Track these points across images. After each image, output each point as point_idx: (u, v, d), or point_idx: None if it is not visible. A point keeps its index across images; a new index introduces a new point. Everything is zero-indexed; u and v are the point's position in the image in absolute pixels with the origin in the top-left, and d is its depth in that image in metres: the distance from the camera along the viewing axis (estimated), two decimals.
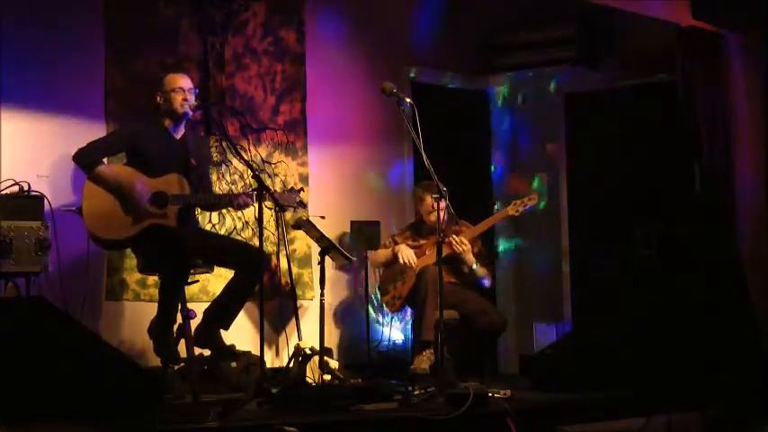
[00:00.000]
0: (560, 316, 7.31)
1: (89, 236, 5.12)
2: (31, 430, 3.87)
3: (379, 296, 6.35)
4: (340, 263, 6.37)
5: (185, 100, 5.24)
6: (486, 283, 6.14)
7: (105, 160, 5.29)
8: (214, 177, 6.06)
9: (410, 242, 6.17)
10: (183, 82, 5.29)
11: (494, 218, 6.20)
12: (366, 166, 6.87)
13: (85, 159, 5.11)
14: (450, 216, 5.44)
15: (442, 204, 5.23)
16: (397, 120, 6.60)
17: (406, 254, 6.02)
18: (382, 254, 6.18)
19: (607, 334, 5.68)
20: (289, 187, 6.02)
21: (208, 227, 6.01)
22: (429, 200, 6.01)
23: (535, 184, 7.46)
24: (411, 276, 6.02)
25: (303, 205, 5.46)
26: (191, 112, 5.31)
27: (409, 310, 6.32)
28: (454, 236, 5.86)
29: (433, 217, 6.01)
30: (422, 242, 6.14)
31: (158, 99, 5.30)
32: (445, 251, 5.76)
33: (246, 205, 5.28)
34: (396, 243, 6.17)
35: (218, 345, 5.29)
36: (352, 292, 6.73)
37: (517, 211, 5.98)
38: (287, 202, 5.25)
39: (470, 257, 5.96)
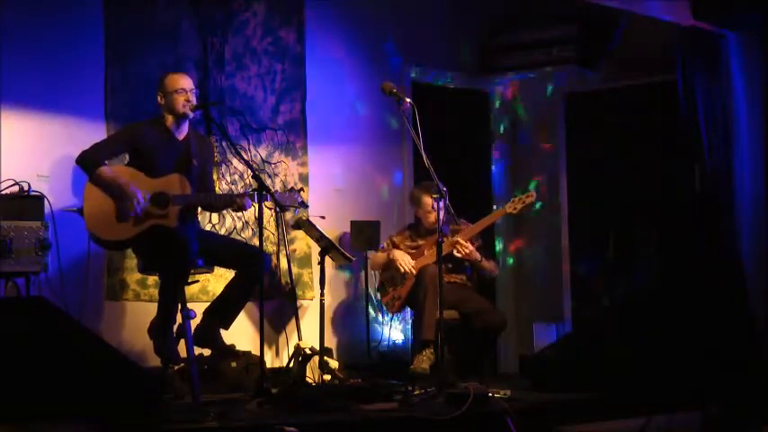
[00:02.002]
0: (560, 316, 7.31)
1: (90, 236, 5.12)
2: (31, 430, 3.87)
3: (379, 296, 6.35)
4: (340, 263, 6.37)
5: (187, 101, 5.24)
6: (495, 273, 6.18)
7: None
8: (214, 177, 6.06)
9: (408, 243, 6.17)
10: (185, 83, 5.28)
11: (492, 216, 6.19)
12: (366, 166, 6.88)
13: (88, 162, 5.10)
14: (449, 216, 5.44)
15: (442, 204, 5.23)
16: (397, 120, 6.61)
17: (404, 261, 6.01)
18: (380, 257, 6.18)
19: (607, 334, 5.68)
20: (289, 187, 6.02)
21: (208, 227, 6.01)
22: (427, 200, 6.00)
23: (531, 185, 7.45)
24: (410, 278, 6.02)
25: (305, 205, 5.46)
26: (191, 113, 5.31)
27: (409, 311, 6.32)
28: (458, 241, 5.85)
29: (431, 218, 6.01)
30: (420, 243, 6.14)
31: (160, 100, 5.30)
32: (445, 250, 5.76)
33: (248, 206, 5.27)
34: (393, 245, 6.16)
35: (218, 345, 5.29)
36: (352, 292, 6.73)
37: (515, 209, 5.98)
38: (288, 202, 5.25)
39: (476, 256, 5.95)
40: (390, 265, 6.09)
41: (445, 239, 5.77)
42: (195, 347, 5.13)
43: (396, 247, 6.16)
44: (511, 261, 7.56)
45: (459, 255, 5.88)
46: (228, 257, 5.35)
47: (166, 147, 5.26)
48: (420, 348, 5.77)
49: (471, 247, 5.92)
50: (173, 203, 5.12)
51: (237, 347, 5.54)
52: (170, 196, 5.12)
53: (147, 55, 5.92)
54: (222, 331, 5.32)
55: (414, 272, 6.00)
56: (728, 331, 5.89)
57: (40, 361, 3.99)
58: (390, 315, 6.54)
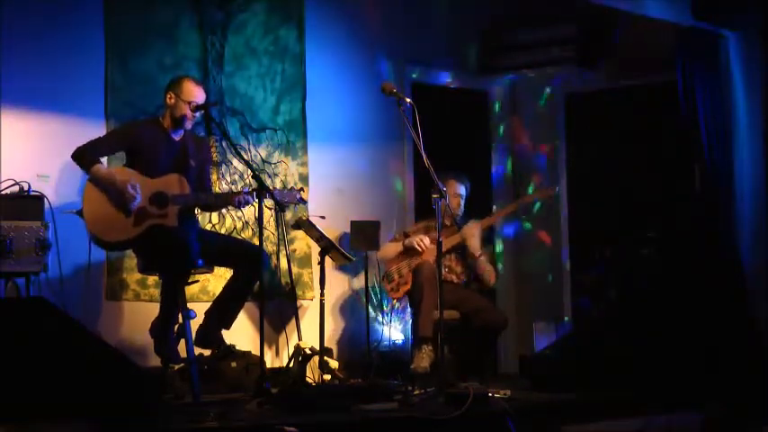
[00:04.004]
0: (560, 316, 7.31)
1: (90, 237, 5.11)
2: (31, 430, 3.87)
3: (379, 290, 6.33)
4: (340, 263, 6.37)
5: (194, 116, 5.25)
6: (489, 280, 6.13)
7: (104, 160, 5.28)
8: (214, 177, 6.07)
9: (422, 234, 6.17)
10: (200, 96, 5.26)
11: (508, 208, 6.19)
12: (366, 166, 6.88)
13: (84, 158, 5.09)
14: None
15: (443, 204, 5.24)
16: (397, 120, 6.61)
17: (420, 240, 6.04)
18: (392, 247, 6.17)
19: (607, 334, 5.68)
20: (289, 187, 6.02)
21: (208, 227, 6.02)
22: (452, 182, 6.05)
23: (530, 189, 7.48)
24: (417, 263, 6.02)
25: (303, 201, 5.44)
26: (190, 126, 5.31)
27: (409, 310, 6.31)
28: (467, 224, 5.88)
29: (454, 203, 6.03)
30: (433, 235, 6.11)
31: (169, 99, 5.27)
32: (457, 240, 5.79)
33: (247, 203, 5.26)
34: (405, 236, 6.16)
35: (220, 345, 5.29)
36: (352, 292, 6.73)
37: (534, 199, 6.05)
38: (287, 199, 5.23)
39: (475, 244, 5.94)
40: (406, 251, 6.08)
41: (461, 231, 5.86)
42: (195, 347, 5.13)
43: (407, 237, 6.16)
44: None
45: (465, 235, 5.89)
46: (227, 256, 5.34)
47: (164, 147, 5.24)
48: (418, 345, 5.76)
49: (476, 231, 5.94)
50: (172, 203, 5.11)
51: (237, 347, 5.53)
52: (169, 196, 5.11)
53: (147, 54, 5.92)
54: (223, 331, 5.32)
55: (428, 246, 6.01)
56: (728, 331, 5.89)
57: (40, 361, 3.99)
58: (393, 301, 6.52)
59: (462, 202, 6.12)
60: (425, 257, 5.99)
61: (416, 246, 6.02)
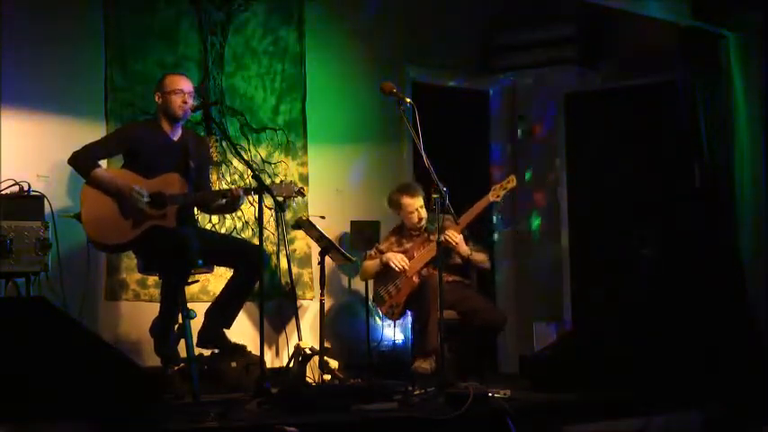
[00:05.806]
0: (560, 316, 7.31)
1: (89, 241, 5.10)
2: (31, 430, 3.87)
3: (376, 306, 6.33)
4: (340, 263, 6.37)
5: (185, 102, 5.21)
6: (487, 266, 6.14)
7: (103, 163, 5.28)
8: (214, 177, 6.06)
9: (396, 248, 6.15)
10: (184, 84, 5.25)
11: (477, 206, 6.12)
12: (366, 166, 6.87)
13: (82, 163, 5.08)
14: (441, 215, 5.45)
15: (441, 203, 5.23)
16: (397, 120, 6.61)
17: (397, 259, 6.01)
18: (371, 265, 6.14)
19: (607, 334, 5.68)
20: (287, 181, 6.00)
21: (208, 227, 6.01)
22: (407, 201, 6.02)
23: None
24: (405, 283, 6.01)
25: (302, 194, 5.41)
26: (187, 116, 5.29)
27: (409, 312, 6.31)
28: (447, 233, 5.83)
29: (414, 218, 6.03)
30: (407, 246, 6.13)
31: (157, 99, 5.28)
32: (430, 254, 5.80)
33: (240, 197, 5.21)
34: (381, 253, 6.13)
35: (223, 343, 5.29)
36: (352, 292, 6.73)
37: (498, 196, 5.98)
38: (285, 192, 5.20)
39: (464, 248, 5.94)
40: (384, 270, 6.06)
41: (433, 237, 5.79)
42: (195, 347, 5.13)
43: (383, 253, 6.13)
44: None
45: (451, 245, 5.85)
46: (227, 255, 5.34)
47: (162, 148, 5.22)
48: (423, 354, 5.76)
49: (460, 238, 5.90)
50: (170, 203, 5.10)
51: None
52: (167, 196, 5.10)
53: (148, 55, 5.92)
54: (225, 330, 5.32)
55: (408, 267, 6.00)
56: (728, 331, 5.89)
57: (40, 361, 3.99)
58: (392, 322, 6.52)
59: (423, 211, 6.04)
60: (410, 274, 5.99)
61: (395, 266, 6.00)
